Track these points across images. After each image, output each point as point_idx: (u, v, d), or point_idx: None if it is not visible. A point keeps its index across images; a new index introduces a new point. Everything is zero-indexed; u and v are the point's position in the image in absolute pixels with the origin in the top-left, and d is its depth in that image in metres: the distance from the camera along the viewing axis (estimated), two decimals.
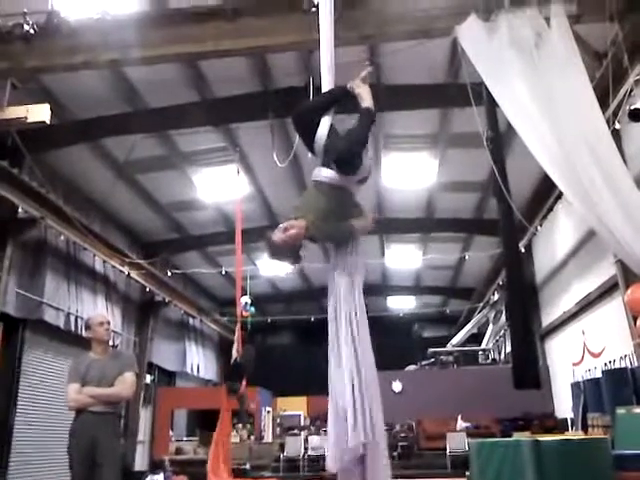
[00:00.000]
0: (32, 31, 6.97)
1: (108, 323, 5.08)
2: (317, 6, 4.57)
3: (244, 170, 11.91)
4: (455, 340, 17.45)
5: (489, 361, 16.67)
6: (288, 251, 3.57)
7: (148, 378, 15.98)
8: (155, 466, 8.07)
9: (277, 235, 3.47)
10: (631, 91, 6.46)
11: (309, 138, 3.76)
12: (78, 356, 5.23)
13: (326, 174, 3.64)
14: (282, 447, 13.58)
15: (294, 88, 9.15)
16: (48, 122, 7.80)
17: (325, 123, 3.75)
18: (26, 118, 7.72)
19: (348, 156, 3.64)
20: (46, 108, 7.75)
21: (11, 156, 9.19)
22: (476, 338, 17.96)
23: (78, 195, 12.20)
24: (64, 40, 7.16)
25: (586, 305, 10.98)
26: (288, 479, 11.88)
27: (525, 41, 5.05)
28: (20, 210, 9.77)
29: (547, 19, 5.29)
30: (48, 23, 7.07)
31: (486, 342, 17.21)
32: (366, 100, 3.85)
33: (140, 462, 14.71)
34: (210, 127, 10.72)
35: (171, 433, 16.25)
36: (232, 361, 10.05)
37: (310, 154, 3.89)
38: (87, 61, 7.29)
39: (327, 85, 4.14)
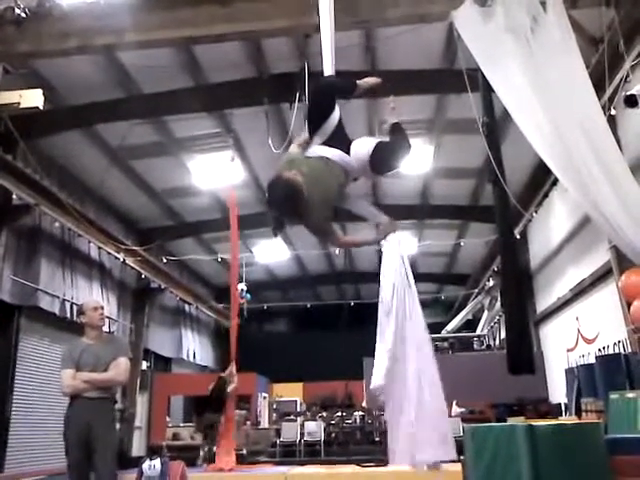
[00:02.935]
0: (24, 15, 6.90)
1: (102, 308, 5.08)
2: None
3: (239, 156, 11.84)
4: (450, 326, 17.52)
5: (484, 347, 16.73)
6: (287, 203, 3.43)
7: (144, 364, 16.01)
8: (152, 451, 8.09)
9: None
10: (627, 77, 6.45)
11: (320, 115, 3.76)
12: (72, 342, 5.23)
13: (342, 157, 3.64)
14: (278, 432, 13.66)
15: (289, 74, 9.10)
16: (41, 107, 7.75)
17: (337, 109, 3.78)
18: (19, 103, 7.68)
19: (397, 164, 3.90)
20: (39, 93, 7.70)
21: (4, 142, 9.12)
22: (471, 324, 18.03)
23: (72, 181, 12.13)
24: (56, 24, 7.10)
25: (580, 291, 11.02)
26: (284, 464, 11.94)
27: (521, 26, 5.01)
28: (14, 197, 9.73)
29: (543, 4, 5.25)
30: (40, 7, 7.01)
31: (481, 328, 17.27)
32: (395, 116, 4.05)
33: (137, 447, 14.79)
34: (204, 113, 10.65)
35: (168, 419, 16.32)
36: (210, 394, 10.34)
37: (311, 130, 3.83)
38: (80, 46, 7.23)
39: (329, 68, 4.18)
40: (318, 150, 3.66)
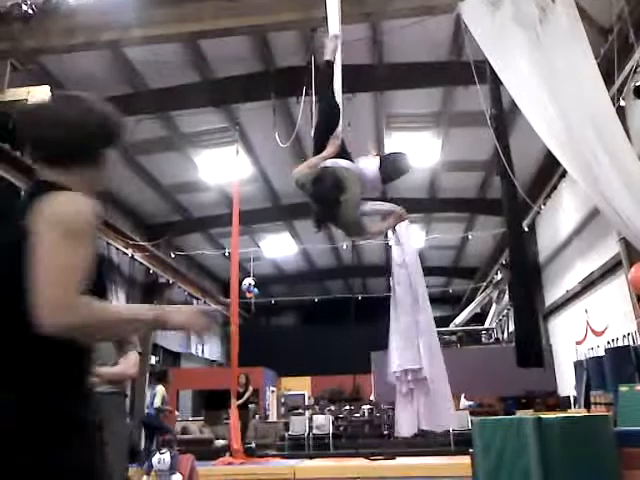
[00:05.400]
0: (31, 11, 6.92)
1: None
2: None
3: (246, 151, 11.84)
4: (458, 320, 17.48)
5: (492, 340, 16.71)
6: (333, 192, 3.63)
7: (153, 359, 16.08)
8: (162, 445, 8.15)
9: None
10: (636, 67, 6.39)
11: (327, 131, 4.08)
12: None
13: (359, 169, 3.92)
14: (287, 426, 13.70)
15: (296, 68, 9.07)
16: None
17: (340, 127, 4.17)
18: (27, 100, 7.67)
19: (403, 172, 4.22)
20: (47, 90, 7.70)
21: (12, 139, 9.15)
22: (479, 318, 17.99)
23: None
24: (63, 20, 7.12)
25: (589, 284, 10.97)
26: (293, 457, 11.99)
27: (529, 17, 4.97)
28: (22, 193, 9.76)
29: None
30: (47, 3, 7.02)
31: (489, 321, 17.24)
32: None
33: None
34: (211, 108, 10.65)
35: (177, 413, 16.40)
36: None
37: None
38: (87, 41, 7.25)
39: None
40: (337, 162, 3.82)
